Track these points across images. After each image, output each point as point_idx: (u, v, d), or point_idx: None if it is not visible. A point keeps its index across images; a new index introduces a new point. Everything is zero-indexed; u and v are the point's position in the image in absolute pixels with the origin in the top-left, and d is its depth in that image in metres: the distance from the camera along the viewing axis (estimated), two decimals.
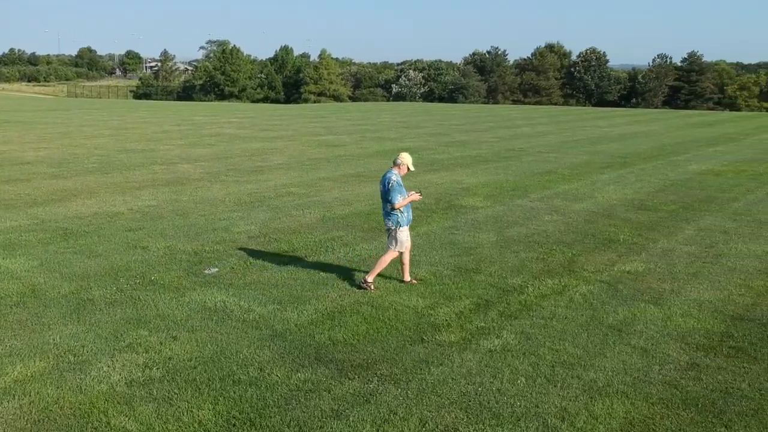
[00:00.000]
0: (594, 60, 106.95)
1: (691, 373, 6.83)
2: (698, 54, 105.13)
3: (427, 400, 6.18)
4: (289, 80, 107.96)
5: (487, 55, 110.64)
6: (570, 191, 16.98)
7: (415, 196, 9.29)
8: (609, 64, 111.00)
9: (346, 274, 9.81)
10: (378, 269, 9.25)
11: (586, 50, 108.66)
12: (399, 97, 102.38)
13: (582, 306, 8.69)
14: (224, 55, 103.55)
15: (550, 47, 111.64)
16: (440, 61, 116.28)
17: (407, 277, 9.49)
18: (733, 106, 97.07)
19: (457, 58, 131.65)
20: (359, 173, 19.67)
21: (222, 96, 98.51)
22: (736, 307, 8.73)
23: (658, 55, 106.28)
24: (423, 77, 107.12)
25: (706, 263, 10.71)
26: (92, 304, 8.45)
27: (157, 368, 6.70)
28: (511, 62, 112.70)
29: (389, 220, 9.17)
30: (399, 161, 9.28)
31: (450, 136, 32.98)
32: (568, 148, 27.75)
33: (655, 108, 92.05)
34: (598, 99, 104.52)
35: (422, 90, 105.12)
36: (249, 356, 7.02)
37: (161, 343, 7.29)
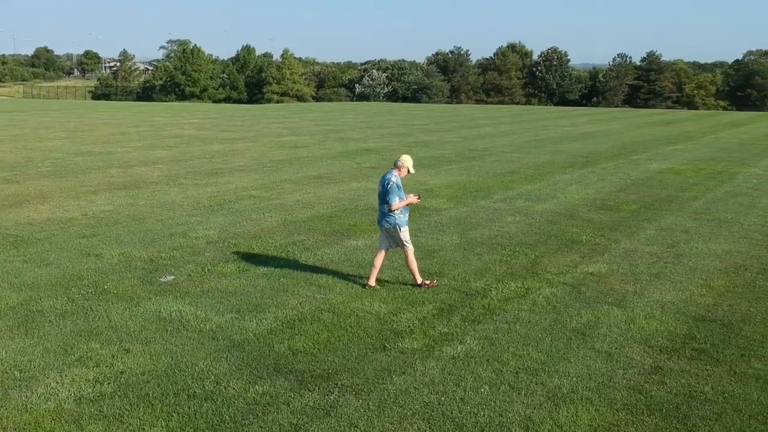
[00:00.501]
0: (555, 59, 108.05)
1: (655, 377, 6.78)
2: (657, 53, 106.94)
3: (389, 411, 6.02)
4: (251, 80, 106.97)
5: (449, 55, 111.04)
6: (533, 192, 16.98)
7: (413, 199, 9.34)
8: (570, 64, 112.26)
9: (307, 279, 9.60)
10: (415, 270, 9.29)
11: (548, 50, 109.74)
12: (363, 97, 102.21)
13: (545, 309, 8.62)
14: (185, 54, 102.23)
15: (512, 47, 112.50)
16: (403, 60, 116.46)
17: (372, 282, 9.35)
18: (690, 105, 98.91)
19: (420, 58, 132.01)
20: (321, 175, 19.44)
21: (183, 96, 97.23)
22: (698, 308, 8.73)
23: (618, 55, 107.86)
24: (386, 77, 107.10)
25: (668, 263, 10.73)
26: (41, 315, 8.12)
27: (108, 383, 6.42)
28: (474, 62, 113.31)
29: (386, 221, 9.14)
30: (399, 163, 9.33)
31: (413, 137, 32.91)
32: (531, 148, 27.86)
33: (616, 107, 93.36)
34: (559, 98, 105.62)
35: (386, 90, 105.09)
36: (205, 369, 6.78)
37: (113, 357, 7.00)
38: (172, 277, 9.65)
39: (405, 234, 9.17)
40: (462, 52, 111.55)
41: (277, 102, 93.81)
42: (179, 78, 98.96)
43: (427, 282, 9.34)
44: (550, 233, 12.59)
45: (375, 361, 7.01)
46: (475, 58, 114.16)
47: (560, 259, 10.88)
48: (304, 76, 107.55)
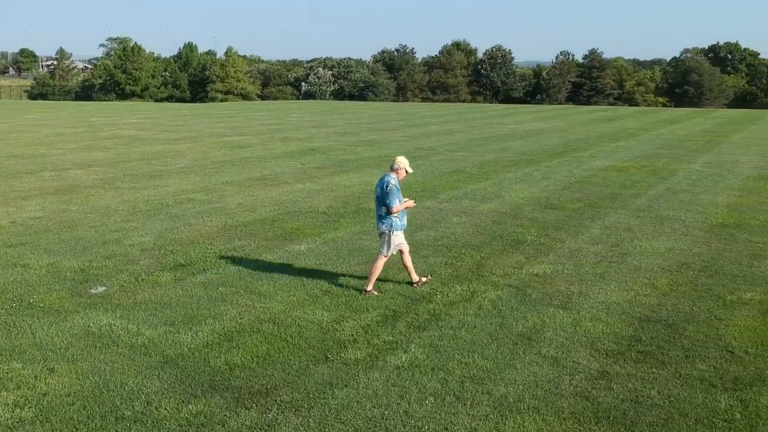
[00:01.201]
0: (500, 57, 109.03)
1: (601, 382, 6.67)
2: (598, 51, 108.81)
3: (330, 428, 5.76)
4: (194, 78, 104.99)
5: (395, 53, 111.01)
6: (478, 191, 16.91)
7: (410, 203, 9.29)
8: (514, 62, 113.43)
9: (247, 287, 9.26)
10: (374, 276, 9.14)
11: (492, 48, 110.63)
12: (309, 95, 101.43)
13: (491, 313, 8.46)
14: (125, 52, 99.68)
15: (457, 45, 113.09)
16: (350, 58, 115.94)
17: (415, 278, 9.39)
18: (631, 101, 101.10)
19: (367, 56, 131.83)
20: (265, 176, 19.01)
21: (123, 95, 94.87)
22: (643, 308, 8.70)
23: (561, 52, 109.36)
24: (333, 75, 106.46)
25: (612, 263, 10.72)
26: None
27: (30, 407, 5.99)
28: (420, 60, 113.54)
29: (383, 223, 9.06)
30: (396, 165, 9.22)
31: (359, 136, 32.64)
32: (476, 146, 27.89)
33: (559, 104, 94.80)
34: (504, 96, 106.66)
35: (332, 88, 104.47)
36: (135, 388, 6.40)
37: (36, 377, 6.56)
38: (104, 288, 9.19)
39: (396, 238, 9.10)
40: (408, 50, 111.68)
41: (222, 101, 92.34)
42: (119, 77, 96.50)
43: (373, 292, 9.11)
44: (495, 234, 12.49)
45: (316, 374, 6.73)
46: (420, 56, 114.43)
47: (505, 261, 10.77)
48: (248, 74, 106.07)
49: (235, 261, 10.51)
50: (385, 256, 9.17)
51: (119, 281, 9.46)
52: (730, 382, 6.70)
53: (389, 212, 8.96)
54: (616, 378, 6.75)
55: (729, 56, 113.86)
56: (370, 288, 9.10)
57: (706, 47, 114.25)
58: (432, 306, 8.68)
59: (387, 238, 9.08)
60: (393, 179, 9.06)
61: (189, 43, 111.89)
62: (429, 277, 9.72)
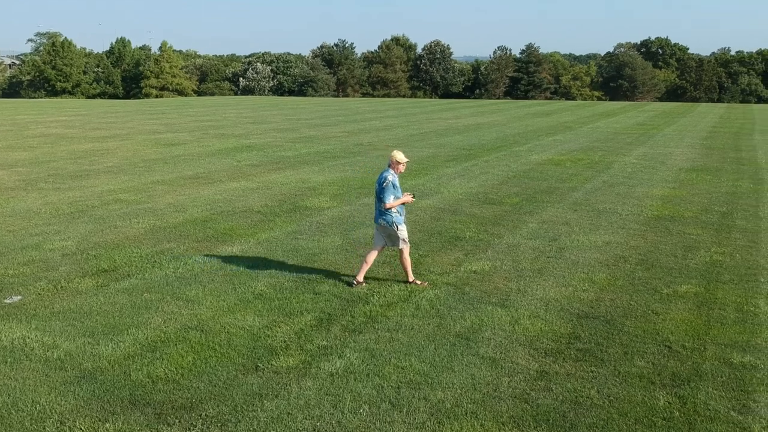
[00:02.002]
0: (439, 52, 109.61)
1: (540, 383, 6.51)
2: (535, 46, 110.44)
3: None
4: (128, 74, 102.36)
5: (334, 48, 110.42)
6: (416, 187, 16.71)
7: (408, 198, 9.29)
8: (453, 56, 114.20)
9: (174, 293, 8.81)
10: (408, 268, 9.26)
11: (431, 43, 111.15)
12: (247, 91, 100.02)
13: (429, 313, 8.24)
14: (54, 48, 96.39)
15: (396, 40, 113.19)
16: (289, 53, 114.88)
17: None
18: (568, 96, 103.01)
19: (306, 51, 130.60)
20: (197, 175, 18.41)
21: (53, 92, 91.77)
22: (581, 305, 8.61)
23: (498, 47, 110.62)
24: (271, 70, 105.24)
25: (550, 258, 10.64)
26: None
27: None
28: (359, 55, 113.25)
29: (383, 219, 9.10)
30: (391, 161, 9.25)
31: (298, 132, 32.13)
32: (415, 142, 27.75)
33: (498, 98, 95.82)
34: (444, 91, 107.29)
35: (271, 83, 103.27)
36: (48, 406, 5.93)
37: None
38: (19, 297, 8.61)
39: (402, 232, 9.11)
40: (347, 45, 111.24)
41: (156, 97, 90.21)
42: (49, 73, 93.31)
43: (416, 281, 9.23)
44: (433, 230, 12.30)
45: (245, 385, 6.38)
46: (360, 51, 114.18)
47: (444, 258, 10.58)
48: (184, 70, 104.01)
49: (163, 265, 10.03)
50: (406, 246, 9.19)
51: (36, 289, 8.89)
52: (669, 378, 6.63)
53: (385, 207, 9.02)
54: (555, 378, 6.61)
55: (660, 51, 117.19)
56: (411, 280, 9.24)
57: (639, 42, 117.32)
58: (368, 307, 8.40)
59: (395, 234, 9.09)
60: (391, 175, 9.12)
61: (122, 38, 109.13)
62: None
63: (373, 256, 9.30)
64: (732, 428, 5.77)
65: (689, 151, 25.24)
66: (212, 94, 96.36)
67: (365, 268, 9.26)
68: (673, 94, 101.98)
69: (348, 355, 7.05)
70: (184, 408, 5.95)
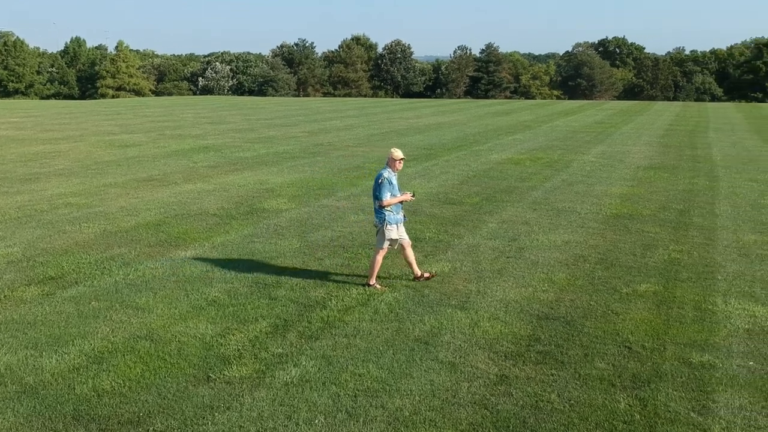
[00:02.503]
0: (399, 52, 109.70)
1: (500, 387, 6.38)
2: (495, 45, 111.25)
3: None
4: (83, 74, 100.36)
5: (294, 48, 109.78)
6: None
7: (407, 197, 9.11)
8: (414, 56, 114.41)
9: (123, 301, 8.49)
10: (374, 271, 9.09)
11: (392, 42, 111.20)
12: (206, 91, 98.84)
13: (388, 317, 8.07)
14: (6, 47, 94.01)
15: (357, 39, 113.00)
16: (249, 53, 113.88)
17: (417, 272, 9.29)
18: (527, 95, 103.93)
19: (266, 50, 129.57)
20: (152, 177, 17.97)
21: (6, 93, 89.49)
22: (541, 305, 8.53)
23: (458, 47, 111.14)
24: (231, 70, 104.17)
25: (510, 258, 10.56)
26: None
27: None
28: (320, 55, 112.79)
29: (377, 217, 9.02)
30: (389, 158, 9.11)
31: (257, 132, 31.71)
32: (376, 141, 27.58)
33: (458, 98, 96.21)
34: (405, 90, 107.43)
35: (231, 83, 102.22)
36: None
37: None
38: None
39: (390, 232, 8.94)
40: (307, 44, 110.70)
41: (113, 97, 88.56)
42: (0, 73, 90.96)
43: (377, 286, 9.08)
44: None
45: (196, 397, 6.13)
46: (320, 50, 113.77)
47: (403, 260, 10.39)
48: (141, 70, 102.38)
49: (113, 271, 9.68)
50: (381, 249, 9.03)
51: None
52: (629, 380, 6.56)
53: (381, 205, 8.88)
54: (515, 382, 6.49)
55: (617, 50, 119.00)
56: (372, 282, 9.08)
57: (597, 42, 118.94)
58: (326, 312, 8.20)
59: (380, 231, 8.99)
60: (387, 172, 8.98)
61: (77, 37, 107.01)
62: (434, 272, 9.47)
63: (408, 254, 9.21)
64: (692, 430, 5.71)
65: (647, 149, 25.52)
66: (170, 94, 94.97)
67: (414, 265, 9.26)
68: (631, 92, 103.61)
69: (304, 362, 6.84)
70: (131, 423, 5.68)
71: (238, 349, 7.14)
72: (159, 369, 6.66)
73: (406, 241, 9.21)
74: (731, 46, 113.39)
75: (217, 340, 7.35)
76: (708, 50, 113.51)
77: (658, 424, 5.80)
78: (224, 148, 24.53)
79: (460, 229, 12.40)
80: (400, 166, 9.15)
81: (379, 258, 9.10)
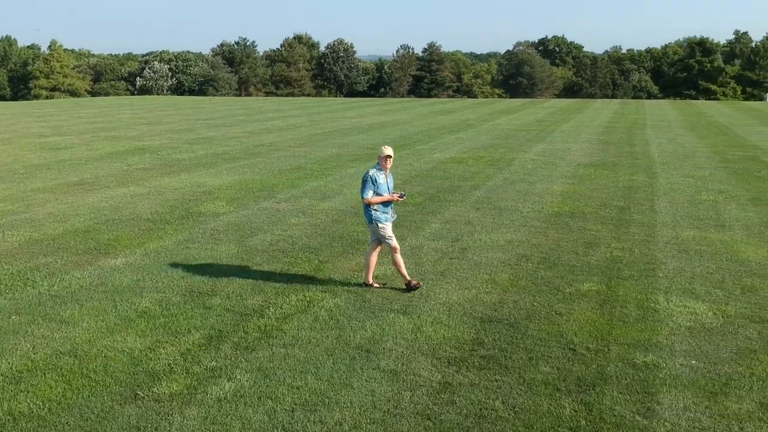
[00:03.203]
0: (342, 51, 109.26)
1: (443, 396, 6.17)
2: (437, 45, 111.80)
3: None
4: (15, 74, 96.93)
5: (235, 46, 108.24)
6: (318, 189, 16.22)
7: (393, 197, 8.87)
8: (357, 55, 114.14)
9: (46, 314, 7.99)
10: (369, 269, 9.03)
11: (334, 41, 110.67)
12: (145, 91, 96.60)
13: (328, 324, 7.78)
14: None
15: (299, 38, 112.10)
16: (189, 52, 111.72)
17: (406, 278, 8.99)
18: (470, 93, 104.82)
19: (206, 49, 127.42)
20: (83, 181, 17.25)
21: None
22: (485, 308, 8.37)
23: (401, 46, 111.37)
24: (170, 69, 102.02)
25: (453, 259, 10.39)
26: None
27: None
28: (261, 53, 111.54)
29: (365, 215, 8.92)
30: (378, 155, 8.92)
31: (196, 132, 30.96)
32: (318, 141, 27.21)
33: (402, 97, 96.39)
34: (349, 89, 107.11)
35: (170, 82, 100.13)
36: None
37: None
38: None
39: (385, 230, 8.81)
40: (248, 43, 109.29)
41: (47, 98, 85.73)
42: None
43: (414, 282, 8.97)
44: (335, 234, 11.85)
45: (121, 418, 5.74)
46: (262, 49, 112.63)
47: (345, 264, 10.15)
48: (77, 70, 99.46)
49: (36, 283, 9.14)
50: (395, 245, 8.88)
51: None
52: (574, 383, 6.43)
53: (364, 202, 8.78)
54: (458, 390, 6.28)
55: (557, 49, 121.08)
56: (369, 281, 9.02)
57: (537, 41, 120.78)
58: (263, 321, 7.87)
59: (378, 232, 8.83)
60: (373, 170, 8.80)
61: (7, 36, 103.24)
62: (418, 282, 9.13)
63: (372, 255, 9.00)
64: None
65: (587, 146, 25.82)
66: (107, 95, 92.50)
67: (370, 270, 9.04)
68: (570, 90, 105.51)
69: (238, 376, 6.50)
70: None
71: (169, 364, 6.76)
72: (82, 388, 6.23)
73: (395, 244, 9.01)
74: (666, 45, 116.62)
75: (146, 355, 6.95)
76: (644, 49, 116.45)
77: (603, 429, 5.67)
78: (161, 150, 23.81)
79: (403, 230, 12.18)
80: (387, 163, 8.83)
81: (373, 256, 9.00)
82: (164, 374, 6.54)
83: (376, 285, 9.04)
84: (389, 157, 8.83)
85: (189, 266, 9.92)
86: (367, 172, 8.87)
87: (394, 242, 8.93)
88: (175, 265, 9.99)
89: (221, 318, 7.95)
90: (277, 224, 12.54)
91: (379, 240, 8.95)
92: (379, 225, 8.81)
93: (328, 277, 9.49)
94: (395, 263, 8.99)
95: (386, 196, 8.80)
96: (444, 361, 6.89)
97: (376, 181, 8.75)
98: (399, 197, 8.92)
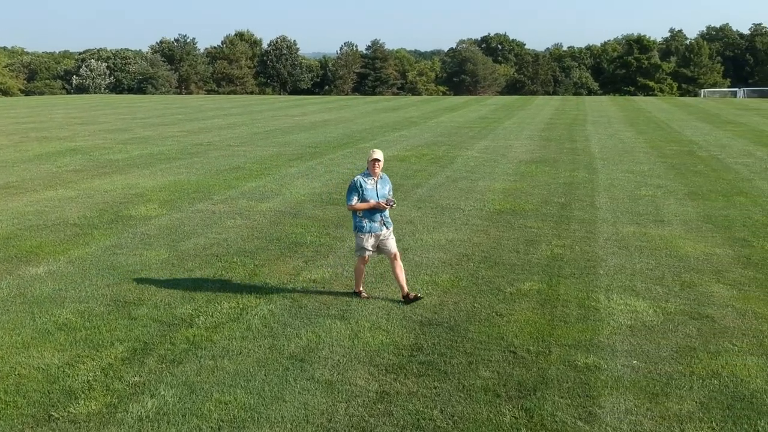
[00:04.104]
0: (285, 48, 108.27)
1: (380, 406, 5.90)
2: (381, 42, 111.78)
3: None
4: None
5: (175, 44, 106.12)
6: (257, 189, 15.78)
7: (380, 204, 8.16)
8: (300, 53, 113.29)
9: None
10: (358, 279, 8.58)
11: (277, 38, 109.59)
12: (81, 90, 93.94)
13: (261, 333, 7.43)
14: None
15: (240, 35, 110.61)
16: (127, 49, 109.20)
17: (405, 289, 8.38)
18: (414, 91, 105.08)
19: (145, 47, 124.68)
20: (8, 184, 16.42)
21: None
22: (424, 310, 8.13)
23: (345, 43, 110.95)
24: (108, 67, 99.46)
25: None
26: None
27: None
28: (202, 51, 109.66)
29: (352, 222, 8.38)
30: (367, 158, 8.39)
31: (131, 132, 30.02)
32: (259, 140, 26.66)
33: (346, 94, 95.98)
34: (293, 87, 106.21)
35: (108, 81, 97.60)
36: None
37: None
38: None
39: (361, 240, 8.27)
40: (188, 40, 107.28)
41: None
42: None
43: (363, 293, 8.56)
44: (272, 236, 11.47)
45: None
46: (202, 46, 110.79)
47: (282, 267, 9.79)
48: (9, 68, 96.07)
49: None
50: (359, 257, 8.42)
51: None
52: (514, 388, 6.23)
53: (348, 209, 8.30)
54: (396, 399, 6.02)
55: (500, 47, 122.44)
56: (358, 289, 8.61)
57: (480, 38, 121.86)
58: (192, 331, 7.46)
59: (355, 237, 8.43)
60: (360, 176, 8.26)
61: None
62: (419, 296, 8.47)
63: (396, 267, 8.40)
64: None
65: (528, 143, 25.94)
66: (42, 94, 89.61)
67: (402, 280, 8.39)
68: (513, 87, 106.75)
69: (162, 392, 6.10)
70: None
71: (88, 381, 6.32)
72: None
73: (392, 253, 8.40)
74: (605, 43, 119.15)
75: (63, 371, 6.49)
76: (584, 46, 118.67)
77: None
78: (93, 151, 22.94)
79: (344, 231, 11.88)
80: (374, 168, 8.20)
81: (359, 265, 8.49)
82: (82, 392, 6.10)
83: (364, 294, 8.59)
84: (377, 161, 8.17)
85: (115, 274, 9.42)
86: (355, 177, 8.33)
87: (365, 255, 8.36)
88: (100, 272, 9.47)
89: (147, 329, 7.52)
90: (212, 227, 12.09)
91: (357, 249, 8.44)
92: (357, 234, 8.31)
93: (264, 282, 9.12)
94: (356, 270, 8.59)
95: (372, 203, 8.16)
96: (382, 368, 6.63)
97: (362, 187, 8.15)
98: (387, 204, 8.21)
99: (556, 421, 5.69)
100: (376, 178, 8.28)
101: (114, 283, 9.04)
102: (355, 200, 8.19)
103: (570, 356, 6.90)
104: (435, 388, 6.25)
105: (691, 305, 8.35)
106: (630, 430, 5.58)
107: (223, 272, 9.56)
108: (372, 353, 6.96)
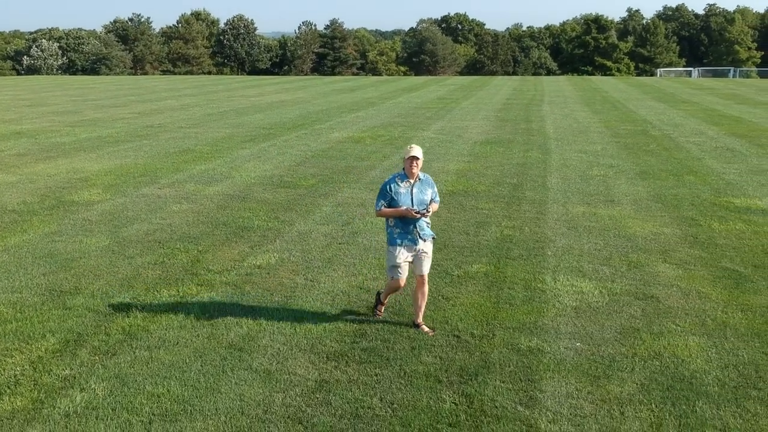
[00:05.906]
0: (242, 27, 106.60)
1: (319, 395, 5.77)
2: (340, 21, 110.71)
3: None
4: None
5: (129, 23, 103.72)
6: (206, 172, 15.44)
7: (408, 212, 6.72)
8: (258, 32, 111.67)
9: None
10: (384, 295, 7.39)
11: (234, 17, 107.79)
12: (33, 71, 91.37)
13: (200, 323, 7.22)
14: None
15: (197, 15, 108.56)
16: (81, 29, 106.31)
17: (419, 319, 7.12)
18: (374, 71, 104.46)
19: (98, 26, 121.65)
20: None
21: None
22: (370, 295, 7.99)
23: (303, 23, 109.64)
24: (60, 47, 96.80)
25: (342, 244, 9.98)
26: None
27: None
28: (157, 30, 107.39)
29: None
30: (403, 156, 6.97)
31: (81, 114, 29.22)
32: (212, 122, 26.16)
33: (305, 75, 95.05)
34: (251, 67, 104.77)
35: (60, 61, 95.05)
36: None
37: None
38: None
39: (391, 255, 6.92)
40: (143, 19, 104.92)
41: None
42: None
43: (380, 310, 7.44)
44: (219, 221, 11.21)
45: None
46: (157, 26, 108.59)
47: (226, 253, 9.56)
48: None
49: None
50: (391, 281, 7.05)
51: None
52: (456, 374, 6.15)
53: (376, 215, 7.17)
54: (335, 388, 5.89)
55: (459, 26, 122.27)
56: (383, 303, 7.47)
57: (440, 18, 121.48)
58: (128, 321, 7.22)
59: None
60: (394, 177, 6.93)
61: None
62: (433, 331, 7.04)
63: (417, 291, 7.14)
64: (518, 426, 5.37)
65: (484, 123, 25.91)
66: None
67: (420, 307, 7.12)
68: (473, 67, 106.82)
69: (93, 385, 5.88)
70: None
71: (15, 376, 6.06)
72: None
73: (419, 273, 7.01)
74: (564, 23, 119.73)
75: None
76: (543, 26, 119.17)
77: (483, 422, 5.41)
78: (40, 134, 22.25)
79: (292, 214, 11.68)
80: (411, 167, 6.79)
81: (387, 286, 7.22)
82: (8, 387, 5.84)
83: (379, 314, 7.44)
84: (415, 158, 6.76)
85: (52, 262, 9.10)
86: (386, 179, 7.07)
87: (398, 277, 6.96)
88: (36, 261, 9.14)
89: (81, 319, 7.26)
90: (156, 212, 11.77)
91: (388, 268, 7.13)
92: (388, 248, 7.01)
93: (206, 269, 8.89)
94: (414, 294, 7.22)
95: (401, 209, 6.78)
96: (323, 356, 6.48)
97: (392, 191, 6.83)
98: (416, 212, 6.75)
99: (496, 407, 5.63)
100: (413, 180, 6.88)
101: (50, 271, 8.72)
102: (381, 205, 6.91)
103: (513, 339, 6.85)
104: (376, 375, 6.14)
105: (637, 285, 8.37)
106: (570, 413, 5.54)
107: (165, 259, 9.29)
108: (314, 340, 6.81)
